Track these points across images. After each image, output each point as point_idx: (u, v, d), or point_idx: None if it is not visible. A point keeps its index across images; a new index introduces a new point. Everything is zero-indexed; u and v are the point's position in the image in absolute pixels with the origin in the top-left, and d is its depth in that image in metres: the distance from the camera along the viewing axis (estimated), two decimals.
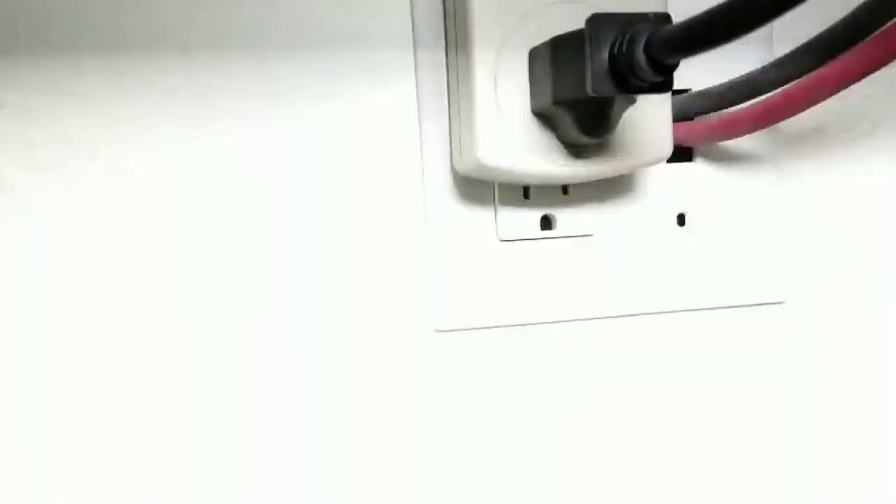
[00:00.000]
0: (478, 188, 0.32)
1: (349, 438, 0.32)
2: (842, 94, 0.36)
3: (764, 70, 0.30)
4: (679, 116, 0.33)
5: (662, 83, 0.24)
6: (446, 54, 0.32)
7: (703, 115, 0.33)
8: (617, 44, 0.25)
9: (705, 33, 0.22)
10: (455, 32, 0.30)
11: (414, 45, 0.32)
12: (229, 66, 0.31)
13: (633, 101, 0.28)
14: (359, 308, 0.32)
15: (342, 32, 0.32)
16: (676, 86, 0.33)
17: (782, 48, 0.34)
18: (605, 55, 0.25)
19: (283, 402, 0.32)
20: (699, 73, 0.34)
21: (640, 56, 0.24)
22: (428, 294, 0.32)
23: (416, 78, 0.32)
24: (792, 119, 0.35)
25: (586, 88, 0.25)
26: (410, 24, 0.32)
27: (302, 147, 0.31)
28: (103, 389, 0.30)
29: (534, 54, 0.29)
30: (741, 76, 0.31)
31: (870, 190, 0.36)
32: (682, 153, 0.34)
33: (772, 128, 0.35)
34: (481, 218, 0.32)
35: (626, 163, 0.30)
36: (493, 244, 0.33)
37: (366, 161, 0.32)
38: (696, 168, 0.34)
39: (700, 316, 0.35)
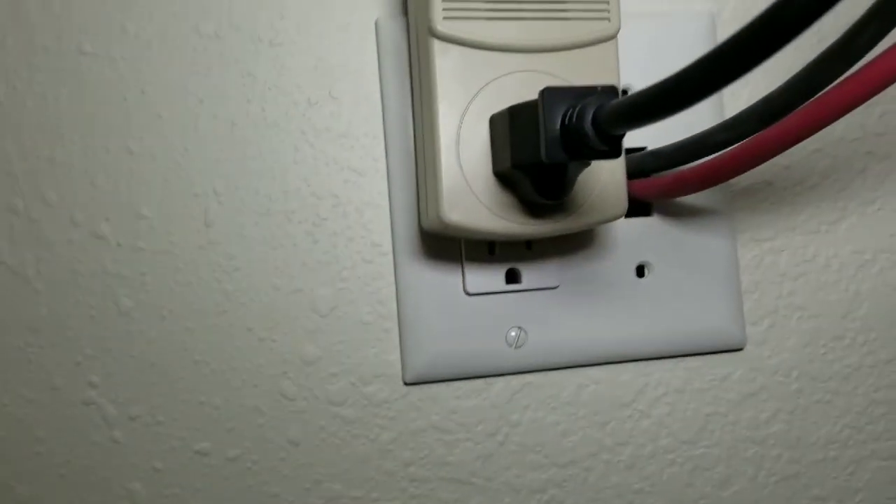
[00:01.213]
0: (445, 244, 0.34)
1: (321, 491, 0.33)
2: (791, 148, 0.38)
3: (711, 132, 0.32)
4: (635, 173, 0.34)
5: (610, 151, 0.26)
6: (413, 118, 0.33)
7: (658, 173, 0.35)
8: (567, 115, 0.26)
9: (647, 109, 0.23)
10: (421, 99, 0.32)
11: (383, 109, 0.34)
12: (203, 131, 0.32)
13: (587, 165, 0.30)
14: (330, 361, 0.33)
15: (314, 97, 0.33)
16: (633, 144, 0.35)
17: (732, 110, 0.37)
18: (557, 125, 0.27)
19: (254, 457, 0.33)
20: (654, 132, 0.36)
21: (589, 127, 0.25)
22: (398, 347, 0.34)
23: (385, 140, 0.34)
24: (744, 173, 0.37)
25: (541, 155, 0.27)
26: (379, 89, 0.34)
27: (274, 206, 0.33)
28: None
29: (494, 121, 0.30)
30: (691, 137, 0.33)
31: (819, 238, 0.38)
32: (640, 207, 0.36)
33: (725, 183, 0.37)
34: (449, 273, 0.34)
35: (583, 221, 0.31)
36: (461, 298, 0.34)
37: (337, 217, 0.33)
38: (654, 222, 0.36)
39: (663, 363, 0.36)
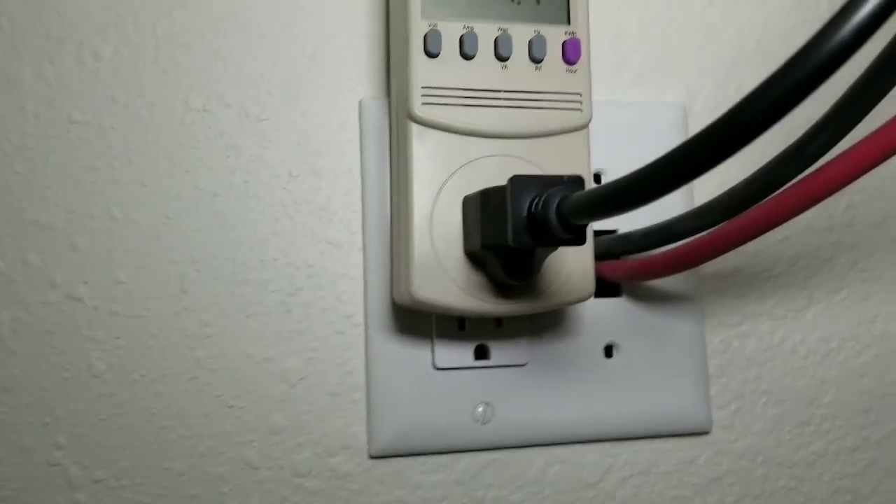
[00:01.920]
0: (416, 318, 0.34)
1: None
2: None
3: (679, 219, 0.33)
4: (605, 255, 0.35)
5: (574, 239, 0.27)
6: (390, 194, 0.34)
7: (627, 256, 0.35)
8: (534, 202, 0.27)
9: (606, 204, 0.24)
10: (398, 177, 0.33)
11: (362, 185, 0.35)
12: (185, 201, 0.33)
13: (554, 248, 0.31)
14: (296, 431, 0.33)
15: (296, 171, 0.34)
16: (605, 227, 0.36)
17: (703, 196, 0.38)
18: (524, 212, 0.28)
19: None
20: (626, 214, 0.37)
21: (553, 216, 0.26)
22: (364, 419, 0.34)
23: (363, 214, 0.35)
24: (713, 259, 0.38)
25: (507, 240, 0.28)
26: (360, 166, 0.35)
27: (251, 275, 0.33)
28: None
29: (466, 202, 0.31)
30: (659, 224, 0.34)
31: (786, 325, 0.39)
32: (609, 288, 0.37)
33: (691, 269, 0.38)
34: (419, 347, 0.34)
35: (551, 302, 0.32)
36: (429, 372, 0.34)
37: (312, 288, 0.34)
38: (623, 303, 0.37)
39: (629, 444, 0.37)
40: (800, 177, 0.29)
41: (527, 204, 0.28)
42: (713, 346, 0.38)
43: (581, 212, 0.25)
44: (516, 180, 0.28)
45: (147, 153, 0.33)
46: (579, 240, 0.27)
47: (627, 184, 0.23)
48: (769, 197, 0.29)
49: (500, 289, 0.32)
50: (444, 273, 0.31)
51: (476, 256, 0.31)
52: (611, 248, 0.35)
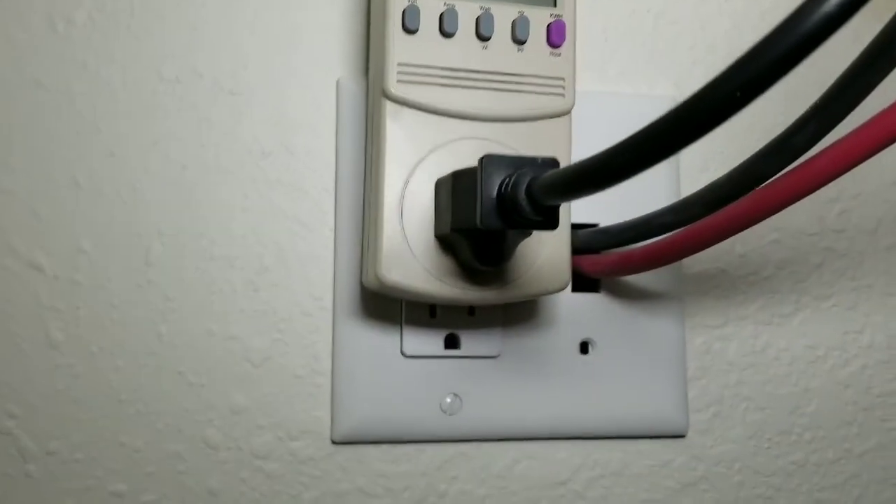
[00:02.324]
0: (386, 303, 0.33)
1: None
2: (747, 237, 0.38)
3: (659, 214, 0.32)
4: (584, 249, 0.34)
5: (544, 222, 0.26)
6: (364, 174, 0.33)
7: (606, 250, 0.34)
8: (505, 183, 0.26)
9: (576, 183, 0.23)
10: (371, 156, 0.32)
11: (336, 166, 0.34)
12: (153, 172, 0.32)
13: (528, 234, 0.30)
14: (258, 412, 0.32)
15: (269, 148, 0.34)
16: (585, 220, 0.35)
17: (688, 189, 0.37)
18: (494, 193, 0.27)
19: None
20: (607, 208, 0.36)
21: (522, 197, 0.25)
22: (328, 404, 0.33)
23: (336, 195, 0.34)
24: (697, 258, 0.37)
25: (476, 221, 0.27)
26: (335, 146, 0.34)
27: (217, 251, 0.33)
28: None
29: (439, 185, 0.30)
30: (639, 217, 0.33)
31: (771, 330, 0.38)
32: (588, 283, 0.36)
33: (676, 266, 0.37)
34: (387, 333, 0.33)
35: (523, 291, 0.31)
36: (397, 359, 0.33)
37: (280, 268, 0.33)
38: (601, 299, 0.36)
39: (601, 444, 0.36)
40: (785, 170, 0.28)
41: (497, 185, 0.27)
42: (693, 348, 0.37)
43: (551, 191, 0.24)
44: (488, 160, 0.27)
45: (116, 122, 0.32)
46: (550, 223, 0.26)
47: (599, 161, 0.22)
48: (753, 191, 0.28)
49: (471, 275, 0.31)
50: (413, 257, 0.30)
51: (447, 241, 0.30)
52: (590, 241, 0.34)
